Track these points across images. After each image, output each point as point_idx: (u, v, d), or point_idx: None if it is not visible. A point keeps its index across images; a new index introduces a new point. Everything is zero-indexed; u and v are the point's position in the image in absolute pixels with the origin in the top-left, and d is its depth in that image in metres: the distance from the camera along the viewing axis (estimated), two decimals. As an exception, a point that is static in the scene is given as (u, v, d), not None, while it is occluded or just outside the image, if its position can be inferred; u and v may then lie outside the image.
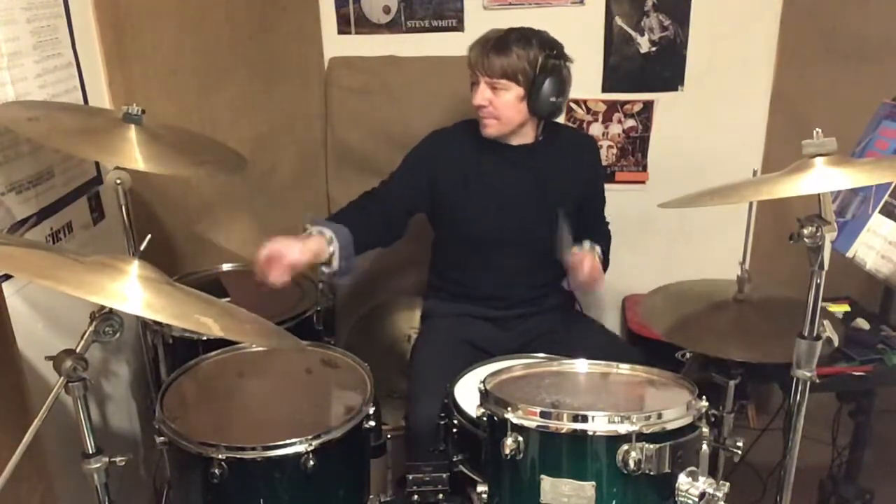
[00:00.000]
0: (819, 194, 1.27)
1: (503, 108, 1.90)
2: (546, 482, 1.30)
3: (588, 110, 2.65)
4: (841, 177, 1.25)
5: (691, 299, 1.78)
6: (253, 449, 1.39)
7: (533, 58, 1.86)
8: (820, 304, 1.33)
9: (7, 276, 1.53)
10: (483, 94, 1.90)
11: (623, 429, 1.26)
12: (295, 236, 1.76)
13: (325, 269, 1.82)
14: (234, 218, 2.48)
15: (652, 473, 1.26)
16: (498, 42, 1.87)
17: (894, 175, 1.39)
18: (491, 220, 2.00)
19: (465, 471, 1.53)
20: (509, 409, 1.33)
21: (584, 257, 1.92)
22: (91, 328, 1.17)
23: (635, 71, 2.60)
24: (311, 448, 1.40)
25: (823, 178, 1.25)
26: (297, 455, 1.39)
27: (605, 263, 2.08)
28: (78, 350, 1.18)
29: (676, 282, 1.87)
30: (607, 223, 2.20)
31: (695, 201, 1.36)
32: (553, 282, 2.06)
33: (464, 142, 2.02)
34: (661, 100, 2.62)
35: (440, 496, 1.54)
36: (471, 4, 2.54)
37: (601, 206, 2.18)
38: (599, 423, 1.27)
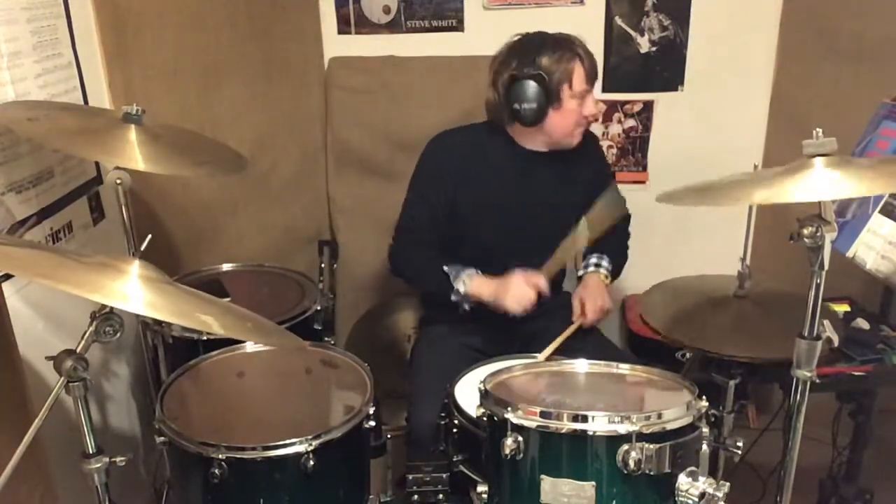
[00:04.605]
0: (819, 194, 1.27)
1: None
2: (546, 482, 1.30)
3: (588, 110, 2.65)
4: (841, 177, 1.25)
5: (691, 295, 1.78)
6: (253, 449, 1.39)
7: None
8: (820, 303, 1.33)
9: (7, 277, 1.53)
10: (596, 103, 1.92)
11: (623, 429, 1.26)
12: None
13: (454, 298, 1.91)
14: (234, 218, 2.48)
15: (652, 473, 1.26)
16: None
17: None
18: (497, 226, 1.98)
19: (465, 471, 1.53)
20: (509, 409, 1.33)
21: (584, 299, 1.93)
22: (91, 328, 1.17)
23: (635, 71, 2.60)
24: (311, 448, 1.40)
25: (823, 178, 1.24)
26: (297, 455, 1.39)
27: (617, 272, 2.08)
28: (78, 350, 1.18)
29: (676, 277, 1.87)
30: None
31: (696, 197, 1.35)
32: (553, 284, 2.05)
33: (469, 147, 1.98)
34: (661, 100, 2.62)
35: (440, 496, 1.54)
36: (471, 4, 2.54)
37: None
38: (599, 423, 1.27)
